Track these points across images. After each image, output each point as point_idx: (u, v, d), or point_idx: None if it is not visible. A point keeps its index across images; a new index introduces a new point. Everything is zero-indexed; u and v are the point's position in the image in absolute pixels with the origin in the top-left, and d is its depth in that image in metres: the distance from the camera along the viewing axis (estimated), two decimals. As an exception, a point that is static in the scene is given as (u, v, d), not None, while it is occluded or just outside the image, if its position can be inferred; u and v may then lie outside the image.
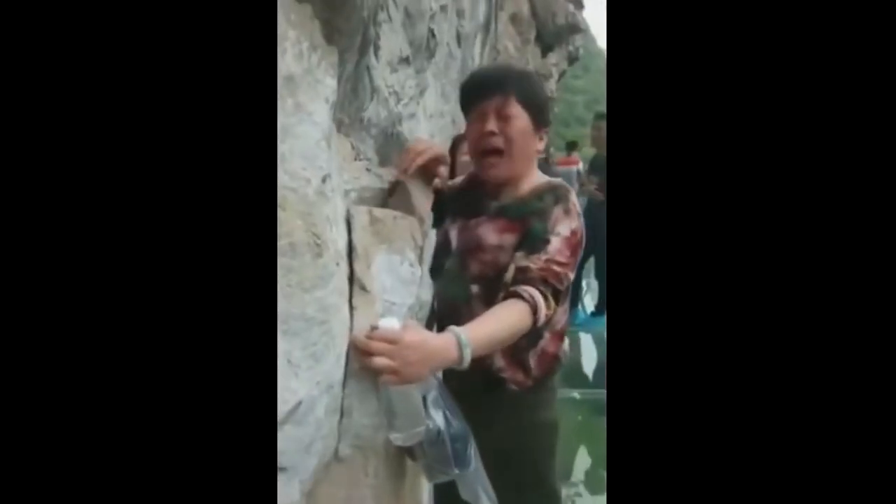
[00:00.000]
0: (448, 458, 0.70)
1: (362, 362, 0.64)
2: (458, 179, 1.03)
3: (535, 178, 0.91)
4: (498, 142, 0.86)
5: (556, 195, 0.86)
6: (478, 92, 0.89)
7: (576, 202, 0.88)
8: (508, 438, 0.91)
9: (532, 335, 0.87)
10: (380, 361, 0.62)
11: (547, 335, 0.91)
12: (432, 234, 0.90)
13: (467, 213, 0.93)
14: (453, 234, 0.94)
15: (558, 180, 0.92)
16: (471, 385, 0.88)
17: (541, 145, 0.92)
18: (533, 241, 0.82)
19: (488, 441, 0.88)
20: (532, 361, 0.91)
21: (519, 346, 0.88)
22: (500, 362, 0.90)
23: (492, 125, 0.86)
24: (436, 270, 0.93)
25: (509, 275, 0.81)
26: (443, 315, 0.93)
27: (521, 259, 0.81)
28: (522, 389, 0.91)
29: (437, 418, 0.71)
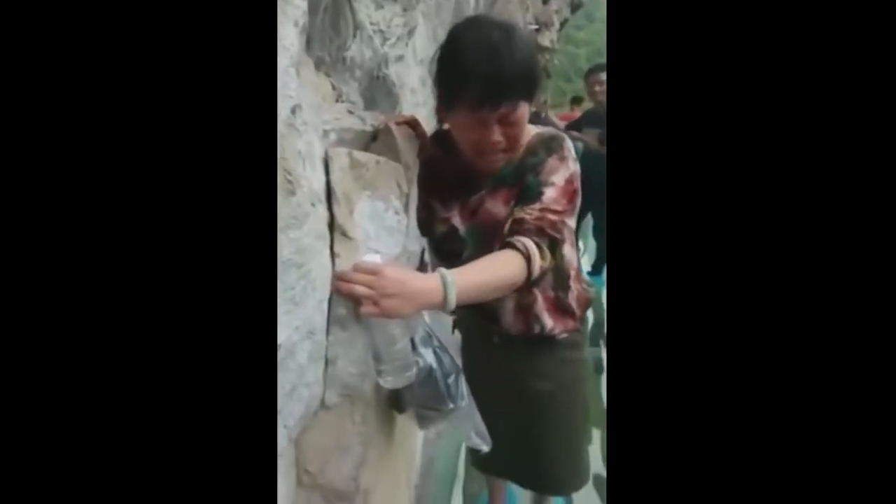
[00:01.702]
0: (441, 394, 0.71)
1: (344, 290, 0.63)
2: (433, 154, 0.92)
3: (528, 136, 0.85)
4: (502, 146, 0.79)
5: (548, 147, 0.82)
6: (477, 96, 0.72)
7: (570, 148, 0.84)
8: (556, 380, 0.95)
9: (562, 280, 0.91)
10: (360, 289, 0.62)
11: (572, 274, 0.92)
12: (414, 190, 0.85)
13: (461, 192, 0.88)
14: (456, 220, 0.89)
15: (550, 130, 0.87)
16: (524, 347, 0.93)
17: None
18: (528, 194, 0.80)
19: (538, 389, 0.96)
20: (574, 304, 0.93)
21: (559, 296, 0.92)
22: (548, 322, 0.92)
23: (497, 135, 0.77)
24: (450, 258, 0.88)
25: (506, 227, 0.79)
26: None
27: (517, 212, 0.79)
28: (572, 333, 0.95)
29: (428, 356, 0.70)
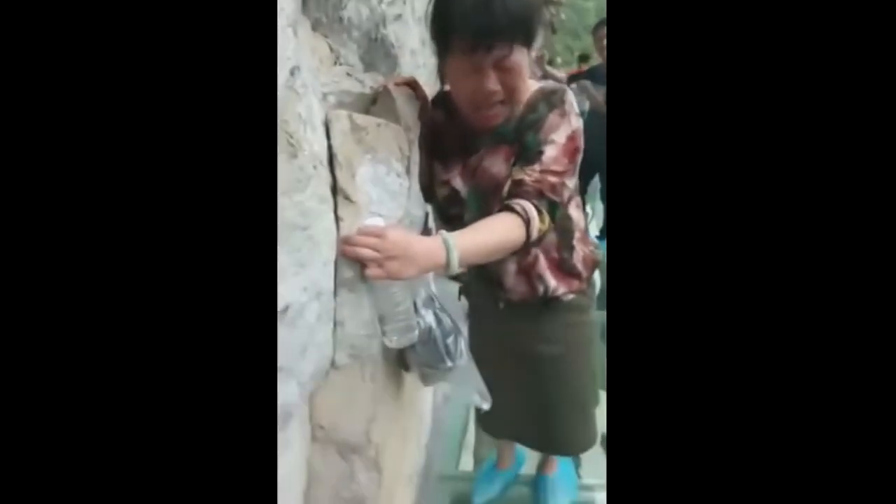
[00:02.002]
0: (440, 353, 0.73)
1: (349, 253, 0.64)
2: (435, 117, 0.90)
3: (527, 91, 0.81)
4: (500, 96, 0.75)
5: (549, 102, 0.79)
6: (469, 38, 0.70)
7: (572, 102, 0.81)
8: (563, 344, 0.96)
9: (566, 241, 0.90)
10: (364, 252, 0.63)
11: (577, 236, 0.91)
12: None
13: (462, 154, 0.85)
14: (457, 182, 0.86)
15: (552, 84, 0.84)
16: (530, 312, 0.93)
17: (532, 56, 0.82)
18: (527, 153, 0.78)
19: (544, 352, 0.96)
20: (580, 266, 0.93)
21: (563, 258, 0.91)
22: (552, 283, 0.91)
23: (493, 83, 0.73)
24: (453, 222, 0.87)
25: (506, 189, 0.78)
26: (480, 266, 0.90)
27: (516, 172, 0.78)
28: (579, 294, 0.95)
29: (428, 317, 0.73)
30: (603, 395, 1.74)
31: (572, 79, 2.85)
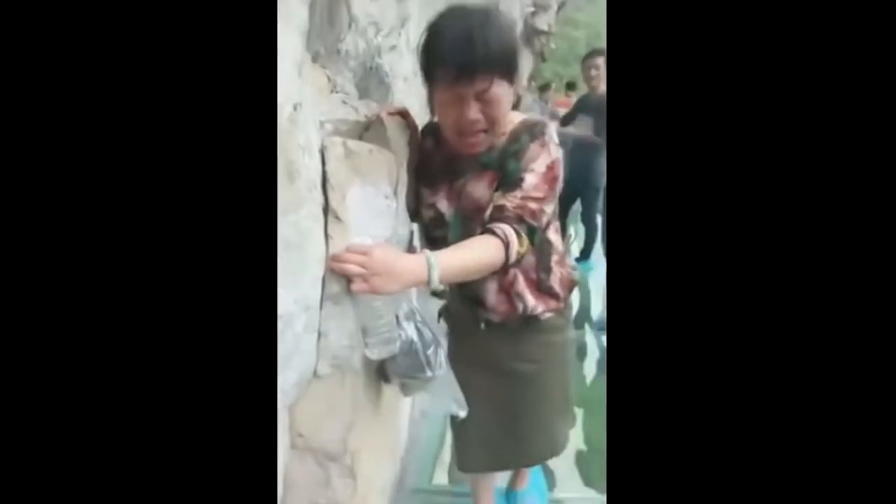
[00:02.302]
0: (421, 363, 0.78)
1: (337, 269, 0.69)
2: (425, 144, 0.96)
3: (511, 122, 0.87)
4: (481, 125, 0.81)
5: (531, 133, 0.85)
6: (453, 71, 0.76)
7: (552, 134, 0.87)
8: (539, 362, 1.00)
9: (544, 262, 0.94)
10: (351, 268, 0.68)
11: (554, 259, 0.96)
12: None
13: (448, 178, 0.91)
14: (443, 204, 0.91)
15: (534, 117, 0.90)
16: (508, 330, 0.97)
17: (516, 91, 0.87)
18: (509, 179, 0.83)
19: (521, 370, 0.99)
20: (557, 286, 0.97)
21: (541, 278, 0.94)
22: (531, 301, 0.94)
23: (474, 112, 0.79)
24: (437, 243, 0.92)
25: (488, 213, 0.83)
26: (461, 283, 0.93)
27: (498, 198, 0.83)
28: (556, 313, 0.98)
29: (409, 330, 0.78)
30: (578, 413, 1.79)
31: (563, 120, 2.94)
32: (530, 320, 0.96)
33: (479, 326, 0.99)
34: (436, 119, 0.92)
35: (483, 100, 0.79)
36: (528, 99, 5.44)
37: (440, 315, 1.05)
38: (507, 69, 0.79)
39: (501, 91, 0.80)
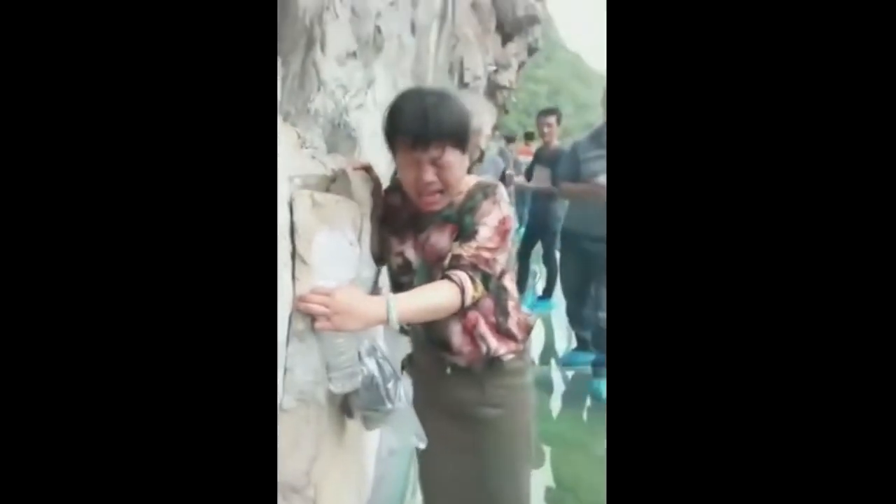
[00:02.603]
0: (381, 396, 0.84)
1: (302, 308, 0.76)
2: (388, 198, 1.06)
3: (467, 183, 0.98)
4: (437, 186, 0.92)
5: (485, 192, 0.97)
6: (410, 140, 0.89)
7: (503, 194, 0.99)
8: (502, 407, 1.04)
9: (502, 305, 1.02)
10: (315, 307, 0.76)
11: (511, 304, 1.04)
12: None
13: (414, 230, 1.01)
14: (410, 253, 1.01)
15: (487, 179, 1.03)
16: (473, 374, 1.02)
17: (470, 158, 0.99)
18: (465, 232, 0.93)
19: (485, 416, 1.03)
20: (515, 329, 1.04)
21: (499, 322, 1.02)
22: (493, 342, 1.01)
23: (430, 175, 0.90)
24: (404, 288, 0.98)
25: (446, 261, 0.92)
26: (426, 328, 1.01)
27: (455, 248, 0.92)
28: (517, 355, 1.05)
29: (371, 365, 0.84)
30: (546, 450, 1.81)
31: (528, 172, 3.27)
32: (494, 363, 1.02)
33: (444, 372, 1.04)
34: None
35: (437, 164, 0.91)
36: (494, 149, 5.80)
37: (403, 366, 1.09)
38: (459, 140, 0.92)
39: (454, 158, 0.92)
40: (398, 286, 1.04)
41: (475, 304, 0.92)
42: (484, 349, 1.01)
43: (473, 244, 0.91)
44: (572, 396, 2.48)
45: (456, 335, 1.01)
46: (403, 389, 0.89)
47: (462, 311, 0.90)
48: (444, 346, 1.02)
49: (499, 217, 0.94)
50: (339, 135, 1.25)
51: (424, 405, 1.00)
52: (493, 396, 1.04)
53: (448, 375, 1.04)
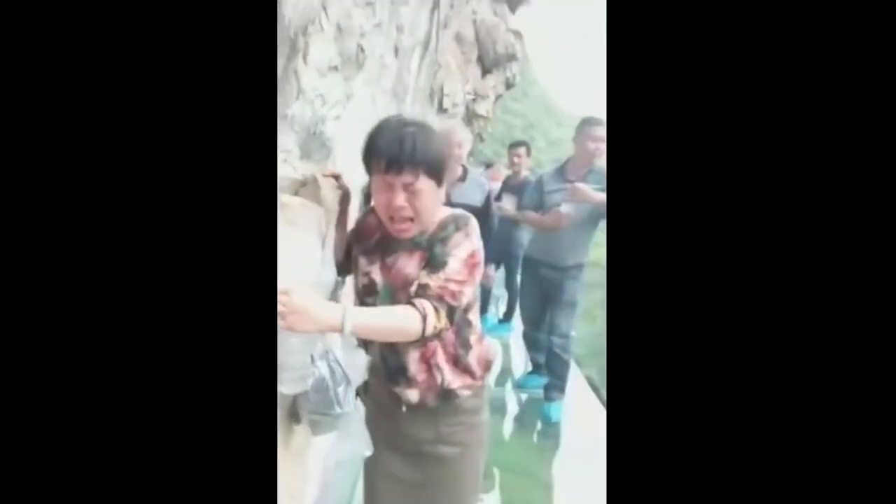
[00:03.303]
0: (331, 400, 0.85)
1: None
2: (364, 219, 1.06)
3: (440, 214, 0.98)
4: (408, 213, 0.92)
5: (457, 224, 0.96)
6: (384, 164, 0.89)
7: (475, 227, 0.97)
8: (457, 444, 1.03)
9: (464, 338, 1.02)
10: None
11: (473, 338, 1.03)
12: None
13: (383, 253, 1.00)
14: (377, 275, 1.00)
15: (460, 211, 1.03)
16: (427, 407, 1.01)
17: (444, 190, 1.01)
18: (434, 262, 0.92)
19: (440, 454, 1.03)
20: (474, 364, 1.03)
21: (458, 355, 1.01)
22: (448, 375, 1.00)
23: (401, 200, 0.91)
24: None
25: (413, 288, 0.91)
26: (383, 351, 1.00)
27: (423, 276, 0.91)
28: (473, 391, 1.04)
29: (322, 368, 0.85)
30: (496, 474, 1.81)
31: (498, 196, 3.39)
32: (449, 397, 1.01)
33: (400, 408, 1.02)
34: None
35: (409, 191, 0.91)
36: (475, 172, 5.94)
37: (358, 394, 1.08)
38: (434, 170, 0.92)
39: (426, 187, 0.92)
40: (362, 306, 1.04)
41: (437, 335, 0.93)
42: (439, 379, 1.00)
43: (442, 275, 0.91)
44: (524, 419, 2.52)
45: (413, 362, 1.01)
46: (353, 394, 0.90)
47: (423, 340, 0.91)
48: (401, 371, 1.01)
49: (468, 250, 0.94)
50: (314, 142, 1.28)
51: (377, 441, 0.99)
52: (448, 434, 1.02)
53: (403, 414, 1.02)
